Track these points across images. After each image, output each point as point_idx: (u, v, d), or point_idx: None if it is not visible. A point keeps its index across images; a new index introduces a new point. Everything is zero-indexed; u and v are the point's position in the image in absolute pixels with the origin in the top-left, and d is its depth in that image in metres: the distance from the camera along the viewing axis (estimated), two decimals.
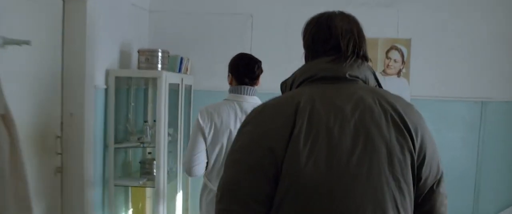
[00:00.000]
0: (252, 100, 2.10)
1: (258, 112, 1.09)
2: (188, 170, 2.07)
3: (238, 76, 2.13)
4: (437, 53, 3.59)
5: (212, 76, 3.49)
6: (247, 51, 3.67)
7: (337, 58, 1.10)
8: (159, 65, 3.00)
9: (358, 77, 1.11)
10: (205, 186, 2.15)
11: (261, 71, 2.17)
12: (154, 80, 2.91)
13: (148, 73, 2.87)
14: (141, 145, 2.95)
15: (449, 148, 3.50)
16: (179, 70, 3.42)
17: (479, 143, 3.57)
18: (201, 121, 2.04)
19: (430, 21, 3.58)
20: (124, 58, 3.13)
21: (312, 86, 1.10)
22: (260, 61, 2.18)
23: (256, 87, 2.16)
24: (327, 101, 1.04)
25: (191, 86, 3.59)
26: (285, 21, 3.66)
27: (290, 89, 1.17)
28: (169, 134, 3.13)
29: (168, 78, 2.89)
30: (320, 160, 0.97)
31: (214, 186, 2.02)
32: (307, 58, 1.19)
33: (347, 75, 1.09)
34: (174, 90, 3.27)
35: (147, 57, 2.96)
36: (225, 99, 2.14)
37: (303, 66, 1.18)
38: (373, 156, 1.00)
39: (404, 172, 1.03)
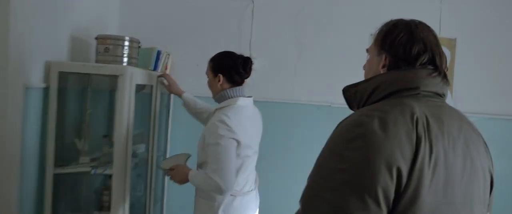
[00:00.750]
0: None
1: (368, 124, 0.91)
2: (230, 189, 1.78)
3: (236, 76, 1.93)
4: (488, 57, 2.81)
5: (199, 77, 2.61)
6: (246, 46, 2.89)
7: (434, 73, 1.04)
8: (125, 59, 2.18)
9: (445, 95, 1.08)
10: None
11: None
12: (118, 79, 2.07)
13: (106, 69, 2.03)
14: (95, 169, 2.10)
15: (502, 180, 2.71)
16: (155, 68, 2.59)
17: None
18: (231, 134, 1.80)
19: (481, 18, 2.81)
20: (78, 48, 2.30)
21: (414, 100, 0.99)
22: None
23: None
24: (438, 120, 0.97)
25: None
26: (296, 9, 2.86)
27: (368, 97, 1.05)
28: (135, 153, 2.31)
29: (135, 76, 2.06)
30: (439, 185, 0.92)
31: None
32: (392, 66, 1.07)
33: (442, 93, 1.06)
34: (146, 94, 2.44)
35: (107, 46, 2.13)
36: (233, 104, 1.89)
37: (393, 74, 1.05)
38: (475, 182, 0.98)
39: (489, 202, 1.05)
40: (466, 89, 2.80)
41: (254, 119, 1.99)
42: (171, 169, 1.95)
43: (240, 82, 1.95)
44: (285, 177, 2.83)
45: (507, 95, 2.80)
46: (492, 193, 1.06)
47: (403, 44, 1.05)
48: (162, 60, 2.66)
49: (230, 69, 1.91)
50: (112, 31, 2.68)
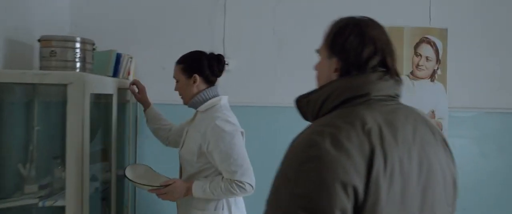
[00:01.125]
0: None
1: (320, 144, 0.90)
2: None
3: (212, 75, 1.85)
4: (482, 47, 2.61)
5: (167, 81, 2.23)
6: (220, 45, 2.54)
7: (386, 75, 1.03)
8: (77, 64, 1.81)
9: (399, 96, 1.07)
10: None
11: None
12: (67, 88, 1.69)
13: (51, 77, 1.65)
14: (44, 200, 1.71)
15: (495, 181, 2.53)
16: (115, 74, 2.23)
17: None
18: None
19: (473, 5, 2.60)
20: (17, 54, 1.90)
21: (366, 108, 0.98)
22: None
23: None
24: (391, 127, 0.96)
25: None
26: (274, 2, 2.56)
27: (320, 107, 1.04)
28: (95, 176, 1.94)
29: (89, 84, 1.70)
30: (397, 195, 0.91)
31: None
32: (344, 71, 1.05)
33: (395, 94, 1.06)
34: (105, 103, 2.07)
35: (54, 49, 1.76)
36: (218, 104, 1.82)
37: (343, 82, 1.03)
38: (434, 185, 0.98)
39: (453, 200, 1.05)
40: (460, 83, 2.59)
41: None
42: (164, 186, 1.76)
43: (214, 83, 1.87)
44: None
45: (504, 87, 2.60)
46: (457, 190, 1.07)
47: (354, 48, 1.04)
48: (123, 65, 2.29)
49: (206, 68, 1.82)
50: (62, 32, 2.29)
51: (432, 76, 2.57)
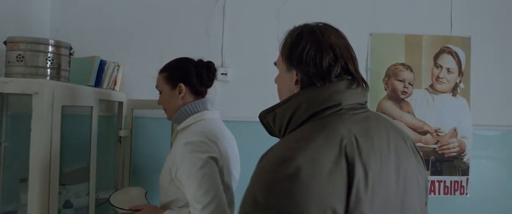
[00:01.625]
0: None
1: (292, 162, 0.82)
2: None
3: (200, 85, 1.61)
4: (510, 59, 2.35)
5: (157, 92, 1.98)
6: (217, 53, 2.29)
7: (353, 84, 0.99)
8: (48, 71, 1.55)
9: (367, 103, 1.04)
10: None
11: None
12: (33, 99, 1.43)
13: (14, 85, 1.38)
14: None
15: None
16: (97, 83, 1.97)
17: None
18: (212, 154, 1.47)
19: (499, 11, 2.35)
20: None
21: (338, 118, 0.93)
22: None
23: None
24: (367, 136, 0.91)
25: (122, 110, 2.14)
26: (277, 4, 2.33)
27: (289, 122, 0.97)
28: (68, 202, 1.67)
29: (59, 94, 1.44)
30: (379, 206, 0.86)
31: None
32: (306, 82, 1.00)
33: (364, 102, 1.02)
34: (85, 116, 1.81)
35: (21, 53, 1.50)
36: (200, 120, 1.56)
37: (310, 93, 0.98)
38: (411, 192, 0.95)
39: (424, 205, 1.03)
40: (485, 98, 2.33)
41: (229, 138, 1.64)
42: (135, 210, 1.55)
43: (204, 94, 1.64)
44: None
45: None
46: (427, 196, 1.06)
47: (312, 58, 0.99)
48: (109, 73, 2.04)
49: (193, 77, 1.58)
50: (40, 35, 2.04)
51: (454, 90, 2.31)
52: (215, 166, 1.44)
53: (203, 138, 1.46)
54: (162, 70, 1.61)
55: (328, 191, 0.80)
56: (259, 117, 1.05)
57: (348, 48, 1.03)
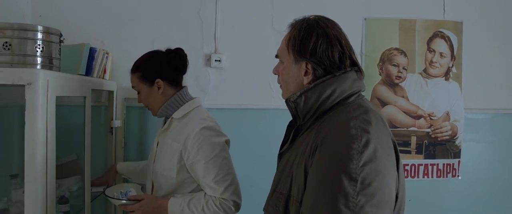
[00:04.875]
0: None
1: (365, 135, 0.94)
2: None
3: (177, 75, 1.62)
4: (502, 44, 2.38)
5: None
6: (210, 39, 2.22)
7: (360, 73, 1.10)
8: (38, 60, 1.46)
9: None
10: None
11: None
12: (25, 90, 1.34)
13: (2, 76, 1.30)
14: None
15: None
16: (88, 72, 1.88)
17: None
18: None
19: None
20: None
21: (368, 103, 1.07)
22: None
23: None
24: (382, 120, 1.05)
25: (113, 100, 2.06)
26: None
27: (319, 106, 1.05)
28: (64, 198, 1.60)
29: (54, 85, 1.36)
30: (403, 182, 1.04)
31: None
32: (320, 72, 1.07)
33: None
34: (77, 106, 1.72)
35: (8, 41, 1.41)
36: (196, 107, 1.59)
37: (336, 80, 1.06)
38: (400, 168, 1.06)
39: None
40: (477, 82, 2.36)
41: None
42: (135, 200, 1.51)
43: (181, 83, 1.64)
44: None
45: None
46: None
47: (325, 51, 1.05)
48: (99, 61, 1.94)
49: (167, 69, 1.58)
50: (21, 21, 1.92)
51: (446, 75, 2.32)
52: (228, 149, 1.54)
53: (214, 123, 1.54)
54: (134, 70, 1.59)
55: (391, 165, 0.97)
56: (290, 101, 1.09)
57: (347, 39, 1.10)
